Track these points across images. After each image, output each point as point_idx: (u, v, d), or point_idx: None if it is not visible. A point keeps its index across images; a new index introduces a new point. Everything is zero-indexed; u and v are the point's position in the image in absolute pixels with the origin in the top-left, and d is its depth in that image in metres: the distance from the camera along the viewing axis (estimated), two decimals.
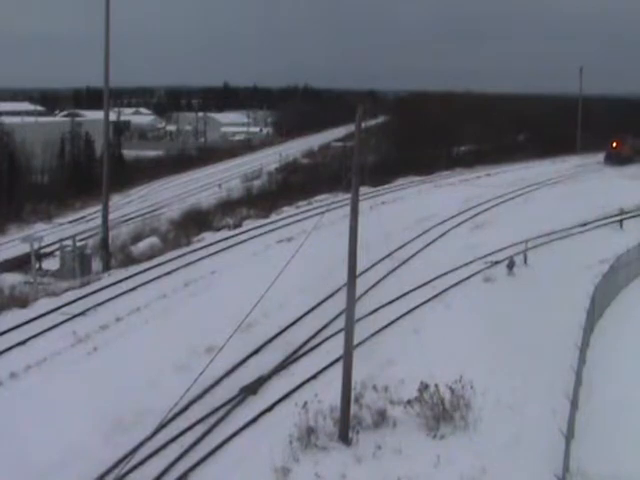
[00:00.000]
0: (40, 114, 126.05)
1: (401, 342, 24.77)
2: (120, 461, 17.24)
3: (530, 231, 40.64)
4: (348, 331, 18.66)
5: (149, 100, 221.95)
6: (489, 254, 37.11)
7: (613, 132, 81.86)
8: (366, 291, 29.81)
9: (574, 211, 48.39)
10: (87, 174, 71.81)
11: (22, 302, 29.81)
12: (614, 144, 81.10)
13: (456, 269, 34.32)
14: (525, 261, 35.85)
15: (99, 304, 29.43)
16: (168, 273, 34.25)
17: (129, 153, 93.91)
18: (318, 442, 18.19)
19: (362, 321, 25.05)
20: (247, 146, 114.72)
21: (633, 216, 48.22)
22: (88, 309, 28.80)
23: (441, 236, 42.46)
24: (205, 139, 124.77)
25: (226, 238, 42.17)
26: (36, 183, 71.11)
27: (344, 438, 18.37)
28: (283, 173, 78.56)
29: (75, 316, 27.96)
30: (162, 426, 17.73)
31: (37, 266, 35.72)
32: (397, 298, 29.60)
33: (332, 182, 54.08)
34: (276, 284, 17.18)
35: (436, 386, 19.10)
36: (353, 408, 19.00)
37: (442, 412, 19.01)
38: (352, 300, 18.69)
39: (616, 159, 78.93)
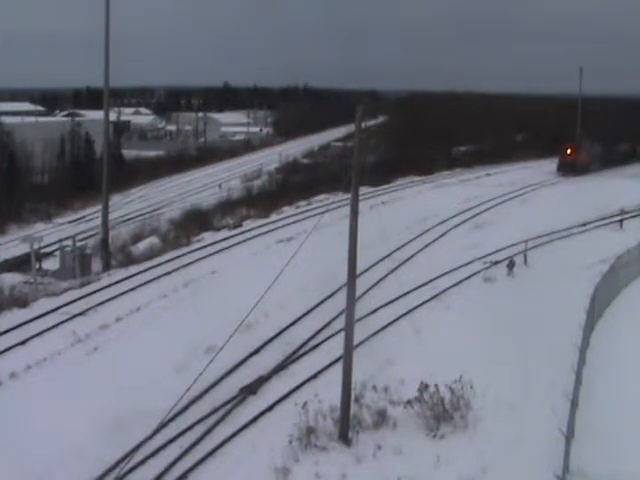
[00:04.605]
0: (40, 114, 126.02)
1: (401, 342, 24.79)
2: (120, 461, 17.25)
3: (530, 231, 40.65)
4: (348, 331, 18.67)
5: (149, 100, 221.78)
6: (489, 254, 37.12)
7: (613, 132, 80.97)
8: (366, 291, 29.82)
9: (574, 211, 48.42)
10: (87, 174, 71.71)
11: (22, 302, 29.80)
12: (568, 151, 72.24)
13: (456, 269, 34.32)
14: (525, 261, 35.85)
15: (99, 304, 29.43)
16: (168, 273, 34.24)
17: (129, 153, 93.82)
18: (318, 442, 18.20)
19: (362, 321, 25.06)
20: (247, 146, 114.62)
21: (633, 216, 48.24)
22: (88, 309, 28.80)
23: (441, 236, 42.47)
24: (205, 139, 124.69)
25: (226, 238, 42.16)
26: (36, 183, 71.09)
27: (344, 438, 18.37)
28: (283, 173, 78.51)
29: (75, 316, 27.96)
30: (162, 426, 17.72)
31: (37, 266, 35.69)
32: (397, 298, 29.60)
33: (332, 182, 54.09)
34: (276, 284, 17.18)
35: (436, 386, 19.10)
36: (353, 408, 19.01)
37: (442, 412, 19.02)
38: (352, 300, 18.69)
39: (570, 168, 70.42)
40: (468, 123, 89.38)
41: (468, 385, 19.37)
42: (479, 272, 34.13)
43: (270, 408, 20.33)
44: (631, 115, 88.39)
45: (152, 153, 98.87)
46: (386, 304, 28.89)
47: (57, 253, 38.45)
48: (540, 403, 20.02)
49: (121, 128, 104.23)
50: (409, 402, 19.26)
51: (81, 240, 41.04)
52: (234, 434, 18.88)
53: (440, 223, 45.61)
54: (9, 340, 25.10)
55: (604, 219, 47.13)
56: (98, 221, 42.69)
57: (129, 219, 54.39)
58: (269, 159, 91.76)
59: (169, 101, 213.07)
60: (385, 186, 61.84)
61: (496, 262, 35.65)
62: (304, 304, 28.57)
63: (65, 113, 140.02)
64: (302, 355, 24.33)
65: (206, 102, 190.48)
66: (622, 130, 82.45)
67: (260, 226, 45.64)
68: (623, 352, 24.61)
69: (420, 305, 29.08)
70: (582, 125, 78.92)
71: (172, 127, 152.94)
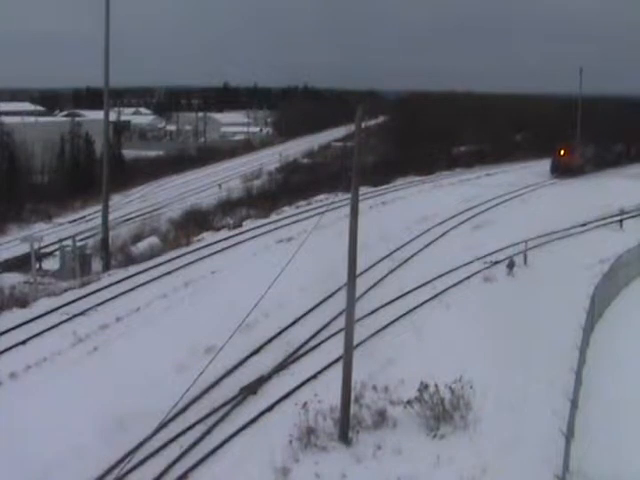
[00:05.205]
0: (40, 114, 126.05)
1: (401, 342, 24.80)
2: (120, 461, 17.26)
3: (530, 231, 40.65)
4: (348, 331, 18.66)
5: (149, 100, 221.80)
6: (489, 254, 37.10)
7: (610, 132, 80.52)
8: (366, 291, 29.82)
9: (574, 211, 48.42)
10: (87, 174, 71.83)
11: (22, 302, 29.78)
12: (562, 152, 71.29)
13: (456, 269, 34.31)
14: (525, 261, 35.84)
15: (99, 304, 29.42)
16: (168, 273, 34.22)
17: (129, 153, 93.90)
18: (318, 442, 18.19)
19: (362, 321, 25.07)
20: (247, 146, 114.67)
21: (633, 216, 48.25)
22: (88, 309, 28.78)
23: (441, 236, 42.45)
24: (205, 139, 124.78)
25: (226, 238, 42.14)
26: (36, 183, 71.18)
27: (344, 438, 18.36)
28: (283, 173, 78.55)
29: (75, 316, 27.93)
30: (162, 426, 17.72)
31: (37, 266, 35.70)
32: (397, 298, 29.61)
33: (332, 182, 54.09)
34: (276, 284, 17.19)
35: (436, 386, 19.10)
36: (353, 408, 19.01)
37: (442, 412, 19.01)
38: (352, 300, 18.69)
39: (564, 170, 69.44)
40: (468, 123, 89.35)
41: (468, 385, 19.37)
42: (479, 272, 34.12)
43: (270, 408, 20.32)
44: (630, 115, 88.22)
45: (152, 153, 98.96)
46: (386, 304, 28.89)
47: (57, 253, 38.48)
48: (540, 403, 20.03)
49: (121, 128, 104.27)
50: (409, 402, 19.25)
51: (81, 240, 41.07)
52: (234, 434, 18.88)
53: (440, 223, 45.58)
54: (9, 340, 25.08)
55: (604, 219, 47.14)
56: (98, 221, 42.71)
57: (129, 219, 54.43)
58: (269, 159, 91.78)
59: (169, 101, 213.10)
60: (385, 186, 61.85)
61: (496, 262, 35.64)
62: (304, 304, 28.56)
63: (65, 113, 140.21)
64: (302, 355, 24.32)
65: (206, 102, 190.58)
66: (620, 130, 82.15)
67: (260, 226, 45.62)
68: (623, 352, 24.62)
69: (420, 305, 29.08)
70: (581, 125, 78.71)
71: (172, 127, 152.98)
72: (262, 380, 21.98)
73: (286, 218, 47.90)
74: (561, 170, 69.81)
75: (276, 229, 44.40)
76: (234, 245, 40.54)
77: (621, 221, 45.91)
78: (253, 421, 19.60)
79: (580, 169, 71.34)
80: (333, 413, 18.96)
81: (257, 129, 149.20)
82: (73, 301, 29.82)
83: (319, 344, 25.01)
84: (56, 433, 18.37)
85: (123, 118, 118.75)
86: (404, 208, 51.52)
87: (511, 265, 34.09)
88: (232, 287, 30.88)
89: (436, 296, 30.35)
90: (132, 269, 35.25)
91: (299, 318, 27.45)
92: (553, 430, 18.09)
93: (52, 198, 61.23)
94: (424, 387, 19.15)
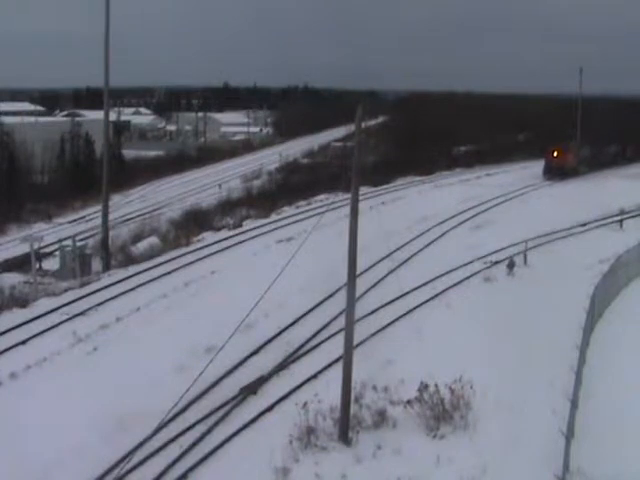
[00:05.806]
0: (40, 114, 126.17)
1: (401, 342, 24.79)
2: (120, 461, 17.25)
3: (530, 231, 40.65)
4: (348, 331, 18.66)
5: (149, 100, 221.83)
6: (489, 254, 37.10)
7: (608, 133, 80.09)
8: (366, 291, 29.81)
9: (574, 211, 48.41)
10: (87, 174, 71.89)
11: (22, 302, 29.80)
12: (555, 153, 69.00)
13: (456, 269, 34.32)
14: (525, 261, 35.85)
15: (99, 304, 29.44)
16: (168, 273, 34.24)
17: (129, 153, 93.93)
18: (318, 442, 18.19)
19: (362, 321, 25.06)
20: (247, 146, 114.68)
21: (633, 216, 48.24)
22: (88, 309, 28.80)
23: (441, 236, 42.47)
24: (205, 139, 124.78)
25: (226, 238, 42.17)
26: (36, 183, 71.22)
27: (344, 438, 18.36)
28: (283, 173, 78.56)
29: (75, 316, 27.96)
30: (162, 426, 17.72)
31: (37, 266, 35.70)
32: (397, 298, 29.59)
33: (332, 182, 54.09)
34: (276, 284, 17.18)
35: (436, 386, 19.10)
36: (353, 408, 19.01)
37: (442, 412, 19.01)
38: (352, 300, 18.68)
39: (557, 171, 67.46)
40: (468, 123, 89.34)
41: (468, 385, 19.37)
42: (479, 272, 34.13)
43: (270, 408, 20.33)
44: (629, 115, 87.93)
45: (152, 153, 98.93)
46: (386, 304, 28.88)
47: (57, 253, 38.47)
48: (540, 403, 20.03)
49: (121, 128, 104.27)
50: (409, 402, 19.25)
51: (81, 240, 41.06)
52: (234, 434, 18.88)
53: (440, 223, 45.60)
54: (9, 340, 25.10)
55: (604, 219, 47.13)
56: (98, 221, 42.71)
57: (129, 219, 54.40)
58: (269, 159, 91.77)
59: (169, 101, 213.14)
60: (385, 186, 61.87)
61: (496, 262, 35.65)
62: (304, 304, 28.57)
63: (65, 113, 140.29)
64: (302, 355, 24.33)
65: (206, 102, 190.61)
66: (617, 131, 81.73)
67: (260, 226, 45.64)
68: (623, 352, 24.61)
69: (420, 305, 29.08)
70: (581, 125, 78.39)
71: (172, 127, 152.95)
72: (262, 380, 21.98)
73: (286, 218, 47.92)
74: (554, 172, 68.14)
75: (276, 229, 44.42)
76: (234, 245, 40.56)
77: (621, 221, 45.92)
78: (253, 421, 19.61)
79: (574, 171, 69.98)
80: (333, 413, 18.96)
81: (257, 129, 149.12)
82: (73, 301, 29.84)
83: (319, 344, 25.01)
84: (56, 433, 18.38)
85: (123, 118, 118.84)
86: (404, 208, 51.49)
87: (511, 265, 34.09)
88: (232, 287, 30.89)
89: (436, 296, 30.36)
90: (132, 269, 35.27)
91: (299, 318, 27.46)
92: (553, 430, 18.09)
93: (52, 198, 61.26)
94: (424, 387, 19.15)
